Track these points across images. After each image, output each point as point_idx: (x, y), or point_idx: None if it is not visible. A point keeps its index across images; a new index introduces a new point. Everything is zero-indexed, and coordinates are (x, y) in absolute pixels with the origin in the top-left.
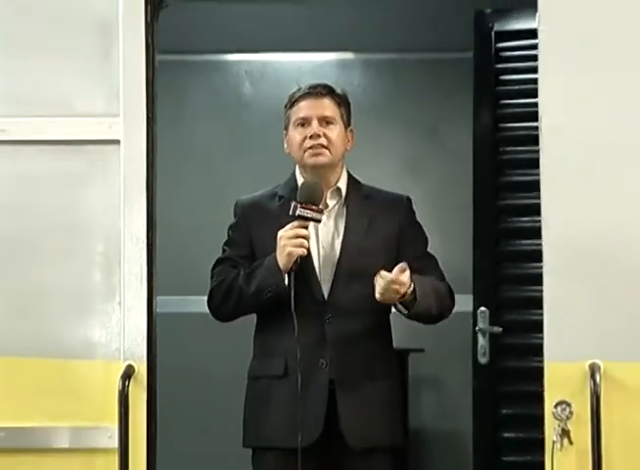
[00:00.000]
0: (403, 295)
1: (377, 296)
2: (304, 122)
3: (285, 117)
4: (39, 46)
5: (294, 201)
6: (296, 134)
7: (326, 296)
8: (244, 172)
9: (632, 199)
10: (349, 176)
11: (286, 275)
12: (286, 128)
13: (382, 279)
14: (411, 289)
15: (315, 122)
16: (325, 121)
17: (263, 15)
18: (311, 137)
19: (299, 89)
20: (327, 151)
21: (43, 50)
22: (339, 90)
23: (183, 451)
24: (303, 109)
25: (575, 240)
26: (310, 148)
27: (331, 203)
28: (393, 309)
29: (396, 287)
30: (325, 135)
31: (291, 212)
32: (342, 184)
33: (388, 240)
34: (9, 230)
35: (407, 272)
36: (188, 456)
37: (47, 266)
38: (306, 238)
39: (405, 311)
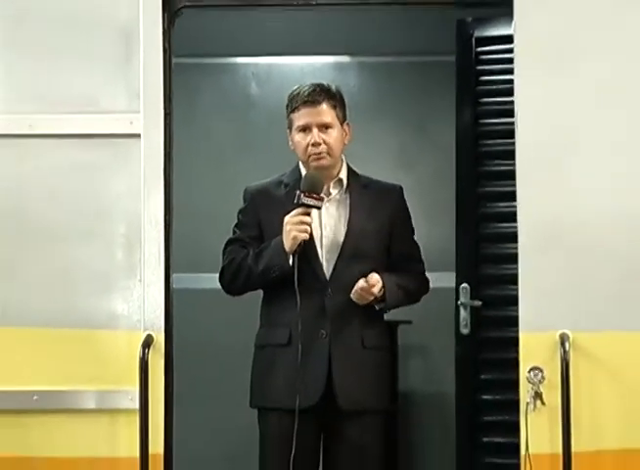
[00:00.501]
0: (375, 298)
1: (352, 296)
2: (305, 129)
3: (287, 120)
4: (69, 51)
5: (298, 190)
6: (299, 139)
7: (328, 275)
8: (251, 163)
9: (596, 187)
10: (349, 168)
11: (290, 256)
12: (289, 128)
13: (360, 284)
14: (381, 293)
15: (315, 130)
16: (324, 127)
17: (268, 22)
18: (313, 145)
19: (298, 94)
20: (327, 155)
21: (73, 54)
22: (333, 88)
23: (196, 415)
24: (303, 117)
25: (547, 223)
26: (314, 155)
27: (333, 192)
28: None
29: (364, 294)
30: (325, 142)
31: (295, 200)
32: (343, 175)
33: (383, 225)
34: (43, 215)
35: (378, 284)
36: (200, 418)
37: (75, 247)
38: (309, 224)
39: (377, 308)
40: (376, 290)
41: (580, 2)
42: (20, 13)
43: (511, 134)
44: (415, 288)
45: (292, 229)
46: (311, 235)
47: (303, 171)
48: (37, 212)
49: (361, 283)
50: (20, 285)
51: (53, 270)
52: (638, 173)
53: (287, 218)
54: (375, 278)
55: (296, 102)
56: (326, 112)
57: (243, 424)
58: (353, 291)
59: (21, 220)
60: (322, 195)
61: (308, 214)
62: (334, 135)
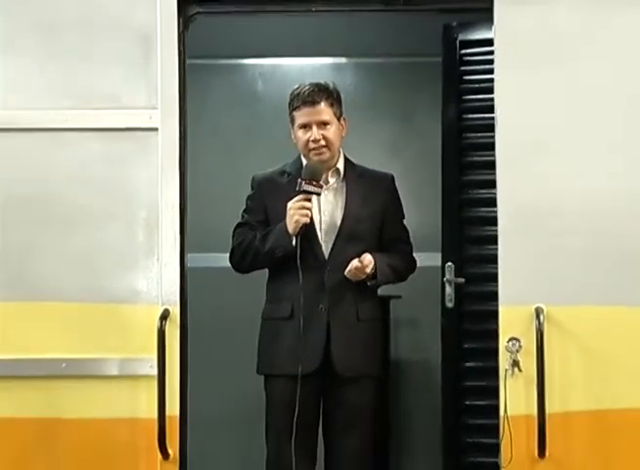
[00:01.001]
0: (367, 276)
1: (346, 274)
2: (306, 126)
3: (289, 116)
4: (97, 54)
5: (299, 178)
6: (300, 135)
7: (326, 254)
8: (257, 154)
9: (568, 175)
10: (345, 158)
11: (293, 238)
12: (291, 124)
13: (354, 263)
14: (372, 271)
15: (315, 128)
16: (322, 124)
17: (273, 26)
18: (313, 141)
19: (299, 93)
20: (326, 149)
21: (99, 57)
22: (330, 87)
23: (208, 381)
24: (304, 116)
25: (524, 208)
26: (314, 150)
27: (332, 180)
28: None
29: (358, 273)
30: (324, 137)
31: (297, 188)
32: (341, 165)
33: (376, 211)
34: (72, 200)
35: (370, 264)
36: (212, 384)
37: (101, 230)
38: (309, 209)
39: (369, 284)
40: (368, 269)
41: (554, 9)
42: (54, 21)
43: (491, 128)
44: (403, 267)
45: (294, 213)
46: (311, 219)
47: (304, 161)
48: (66, 198)
49: (355, 263)
50: (51, 264)
51: (80, 251)
52: (605, 163)
53: (290, 204)
54: (368, 259)
55: (297, 101)
56: (324, 110)
57: (250, 389)
58: (348, 269)
59: (52, 205)
60: (321, 183)
61: (309, 200)
62: (332, 131)
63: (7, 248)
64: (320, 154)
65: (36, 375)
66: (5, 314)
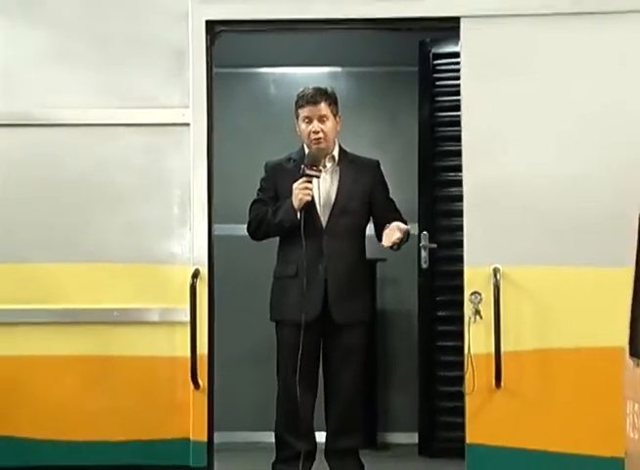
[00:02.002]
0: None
1: (386, 243)
2: (308, 120)
3: (295, 113)
4: (140, 63)
5: (302, 164)
6: (304, 127)
7: (324, 225)
8: (269, 145)
9: (518, 160)
10: (340, 147)
11: (298, 212)
12: (297, 118)
13: (393, 235)
14: (404, 239)
15: (315, 121)
16: (321, 119)
17: (282, 42)
18: (314, 132)
19: (304, 95)
20: (323, 139)
21: (142, 65)
22: (329, 90)
23: (230, 326)
24: (307, 112)
25: (484, 187)
26: (314, 140)
27: (328, 164)
28: (368, 232)
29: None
30: (322, 130)
31: (301, 172)
32: (336, 153)
33: (364, 189)
34: (119, 183)
35: (403, 227)
36: (233, 329)
37: (144, 205)
38: (311, 189)
39: (398, 246)
40: (399, 235)
41: (510, 28)
42: (106, 37)
43: (458, 123)
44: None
45: (299, 193)
46: (312, 197)
47: (307, 150)
48: (115, 180)
49: (401, 227)
50: (104, 234)
51: (127, 223)
52: (548, 152)
53: (295, 185)
54: (403, 227)
55: (302, 101)
56: (323, 108)
57: (263, 334)
58: (395, 239)
59: (103, 186)
60: (320, 168)
61: (310, 182)
62: (328, 125)
63: (68, 222)
64: (319, 143)
65: (94, 321)
66: (69, 273)
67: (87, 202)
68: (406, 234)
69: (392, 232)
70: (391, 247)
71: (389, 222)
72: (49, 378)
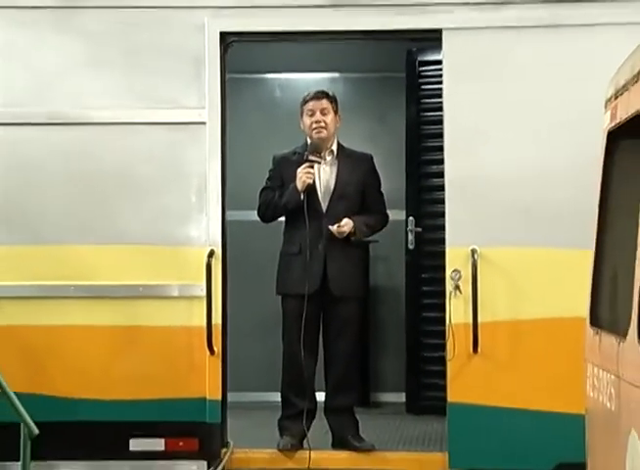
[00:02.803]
0: (351, 233)
1: (334, 232)
2: (312, 113)
3: (300, 109)
4: (163, 69)
5: (306, 152)
6: (307, 120)
7: (324, 210)
8: (275, 140)
9: (493, 154)
10: (338, 143)
11: (301, 194)
12: (301, 116)
13: (333, 228)
14: (352, 230)
15: (318, 113)
16: (323, 112)
17: (286, 51)
18: (316, 122)
19: (309, 94)
20: (324, 129)
21: (165, 71)
22: (330, 92)
23: (241, 299)
24: (311, 105)
25: (463, 178)
26: (315, 128)
27: (328, 157)
28: None
29: (337, 235)
30: (323, 121)
31: (304, 158)
32: (334, 147)
33: (359, 179)
34: (144, 173)
35: (347, 226)
36: (244, 301)
37: (165, 194)
38: (312, 173)
39: (352, 239)
40: (346, 229)
41: (486, 38)
42: (134, 45)
43: (441, 122)
44: (377, 223)
45: (302, 176)
46: (314, 184)
47: (309, 141)
48: (140, 173)
49: (333, 229)
50: (130, 219)
51: (151, 209)
52: (521, 147)
53: (299, 169)
54: (344, 222)
55: (307, 97)
56: (325, 103)
57: (270, 306)
58: (333, 230)
59: (129, 177)
60: (321, 155)
61: (312, 167)
62: (329, 117)
63: (99, 208)
64: (320, 132)
65: (121, 296)
66: (100, 254)
67: (115, 191)
68: (353, 232)
69: (344, 226)
70: (344, 234)
71: (369, 213)
72: (82, 345)
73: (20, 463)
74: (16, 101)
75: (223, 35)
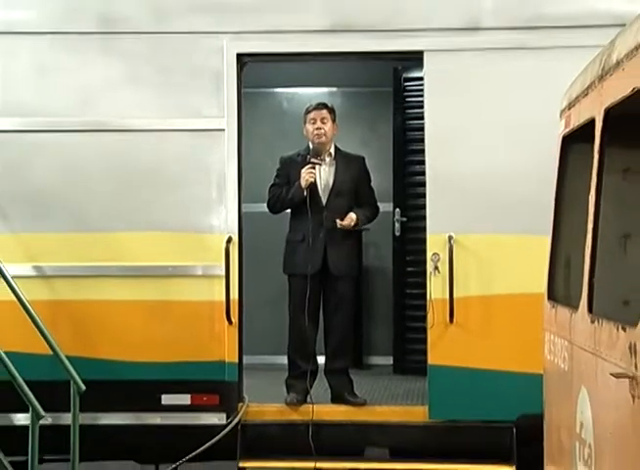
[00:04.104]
0: (355, 224)
1: (339, 226)
2: (313, 122)
3: (304, 118)
4: (188, 84)
5: (308, 155)
6: (309, 127)
7: (324, 203)
8: (282, 145)
9: (466, 155)
10: (336, 147)
11: (305, 190)
12: (304, 123)
13: (341, 223)
14: (357, 222)
15: (318, 121)
16: (323, 121)
17: (294, 68)
18: (317, 129)
19: (311, 105)
20: (324, 136)
21: (189, 86)
22: (329, 104)
23: (254, 277)
24: (313, 114)
25: (441, 176)
26: (317, 135)
27: (327, 159)
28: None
29: (343, 227)
30: (323, 128)
31: (307, 160)
32: (332, 151)
33: (353, 177)
34: (173, 172)
35: (350, 220)
36: (257, 279)
37: (190, 188)
38: (314, 173)
39: (355, 228)
40: (346, 223)
41: (460, 59)
42: (165, 64)
43: (422, 129)
44: (372, 214)
45: (305, 175)
46: (315, 182)
47: (311, 146)
48: (170, 171)
49: (344, 223)
50: (160, 210)
51: (180, 202)
52: (494, 149)
53: (302, 170)
54: (350, 216)
55: (310, 108)
56: (325, 113)
57: (279, 283)
58: (339, 226)
59: (161, 176)
60: (321, 158)
61: (314, 168)
62: (328, 126)
63: (136, 201)
64: (320, 138)
65: (154, 274)
66: (137, 239)
67: (150, 187)
68: (357, 222)
69: (348, 220)
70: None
71: (360, 207)
72: (122, 316)
73: (70, 414)
74: (68, 112)
75: (239, 56)
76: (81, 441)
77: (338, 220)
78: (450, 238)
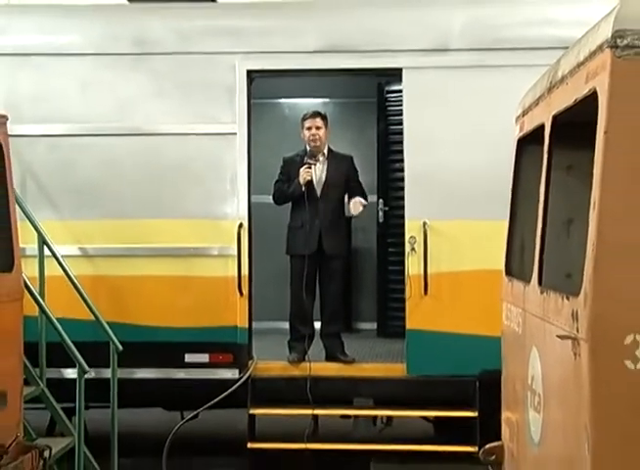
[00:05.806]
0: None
1: (352, 212)
2: (309, 128)
3: (301, 124)
4: (206, 96)
5: (305, 157)
6: (306, 132)
7: (319, 195)
8: (284, 147)
9: (440, 155)
10: (329, 148)
11: (303, 186)
12: (302, 129)
13: (355, 206)
14: (363, 204)
15: (314, 128)
16: (317, 127)
17: (294, 82)
18: (312, 134)
19: (307, 113)
20: (318, 140)
21: (208, 97)
22: (322, 112)
23: (262, 256)
24: (309, 122)
25: (418, 172)
26: (312, 140)
27: (321, 159)
28: (346, 200)
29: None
30: (318, 134)
31: (304, 160)
32: (326, 151)
33: (343, 174)
34: (195, 170)
35: (360, 200)
36: (265, 258)
37: (207, 183)
38: (310, 172)
39: (356, 215)
40: (358, 210)
41: (433, 75)
42: (186, 79)
43: (402, 133)
44: (364, 199)
45: (303, 174)
46: (312, 179)
47: (308, 148)
48: (191, 167)
49: (352, 214)
50: (185, 200)
51: (199, 193)
52: (462, 150)
53: (301, 170)
54: (356, 202)
55: (306, 116)
56: (319, 121)
57: (283, 262)
58: (356, 211)
59: (184, 171)
60: (317, 159)
61: (310, 168)
62: (322, 131)
63: (162, 193)
64: (315, 141)
65: (178, 254)
66: (163, 225)
67: (174, 181)
68: (364, 206)
69: (357, 206)
70: (359, 211)
71: (355, 196)
72: (152, 288)
73: (110, 369)
74: (105, 118)
75: (249, 72)
76: (119, 391)
77: (352, 212)
78: (425, 224)
